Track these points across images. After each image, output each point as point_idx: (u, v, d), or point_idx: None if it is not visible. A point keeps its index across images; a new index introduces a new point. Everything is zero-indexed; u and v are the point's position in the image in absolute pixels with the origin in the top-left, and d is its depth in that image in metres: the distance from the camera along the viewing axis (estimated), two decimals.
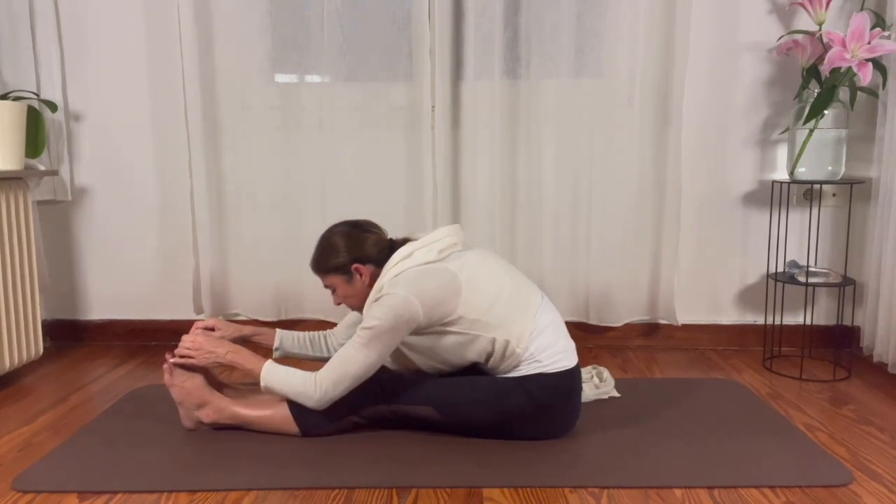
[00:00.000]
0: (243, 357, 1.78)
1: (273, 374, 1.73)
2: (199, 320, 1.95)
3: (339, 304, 1.86)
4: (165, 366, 1.81)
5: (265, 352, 1.97)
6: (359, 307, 1.85)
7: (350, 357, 1.68)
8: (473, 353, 1.74)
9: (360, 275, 1.80)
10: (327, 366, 1.71)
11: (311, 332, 2.04)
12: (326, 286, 1.85)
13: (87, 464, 1.66)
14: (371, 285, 1.81)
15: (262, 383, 1.74)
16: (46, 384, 2.28)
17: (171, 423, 1.88)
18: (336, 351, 2.00)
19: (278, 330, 2.01)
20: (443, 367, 1.79)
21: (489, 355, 1.74)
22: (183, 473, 1.61)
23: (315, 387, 1.69)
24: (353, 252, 1.79)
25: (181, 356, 1.80)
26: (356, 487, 1.54)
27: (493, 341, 1.72)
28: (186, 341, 1.81)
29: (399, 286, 1.69)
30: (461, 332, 1.72)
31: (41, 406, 2.08)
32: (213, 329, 1.91)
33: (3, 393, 2.20)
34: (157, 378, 2.32)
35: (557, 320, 1.80)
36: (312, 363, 1.95)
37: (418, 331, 1.72)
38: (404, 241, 1.84)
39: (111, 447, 1.75)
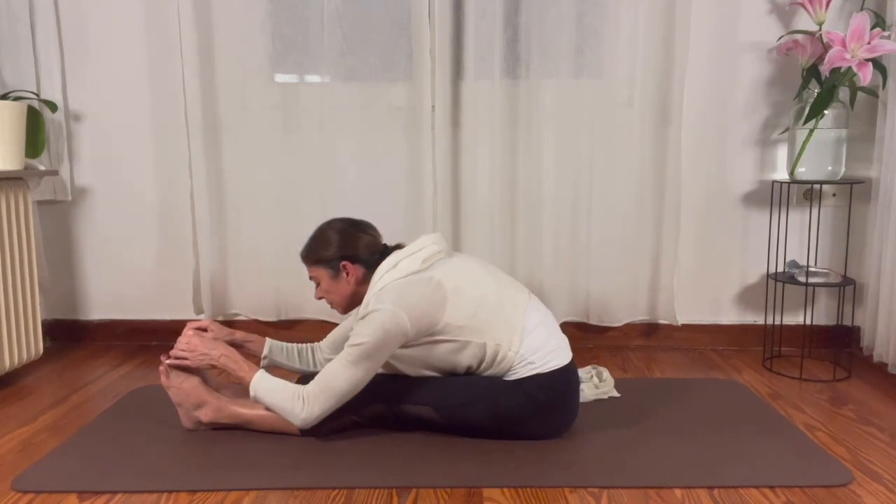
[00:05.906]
0: (236, 362, 1.78)
1: (263, 385, 1.73)
2: (192, 321, 1.95)
3: (321, 298, 1.86)
4: (161, 367, 1.81)
5: (255, 360, 1.97)
6: (338, 305, 1.85)
7: (337, 374, 1.67)
8: (466, 359, 1.74)
9: (347, 274, 1.79)
10: (313, 382, 1.70)
11: (301, 344, 2.03)
12: (311, 278, 1.85)
13: (87, 464, 1.66)
14: (356, 287, 1.81)
15: (252, 392, 1.74)
16: (46, 384, 2.28)
17: (171, 423, 1.88)
18: (322, 366, 1.99)
19: (268, 339, 1.99)
20: (436, 375, 1.79)
21: (481, 360, 1.74)
22: (183, 473, 1.61)
23: (302, 404, 1.68)
24: (344, 249, 1.79)
25: (176, 357, 1.80)
26: (356, 487, 1.54)
27: (484, 346, 1.71)
28: (181, 343, 1.81)
29: (386, 300, 1.67)
30: (451, 340, 1.71)
31: (41, 406, 2.08)
32: (205, 330, 1.90)
33: (3, 393, 2.20)
34: (157, 378, 2.32)
35: (547, 319, 1.80)
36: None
37: (407, 343, 1.71)
38: (397, 248, 1.83)
39: (111, 447, 1.75)
